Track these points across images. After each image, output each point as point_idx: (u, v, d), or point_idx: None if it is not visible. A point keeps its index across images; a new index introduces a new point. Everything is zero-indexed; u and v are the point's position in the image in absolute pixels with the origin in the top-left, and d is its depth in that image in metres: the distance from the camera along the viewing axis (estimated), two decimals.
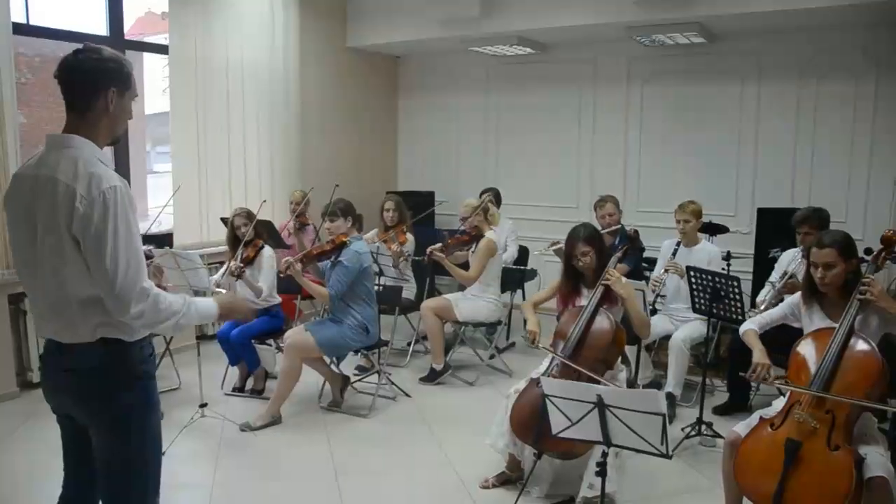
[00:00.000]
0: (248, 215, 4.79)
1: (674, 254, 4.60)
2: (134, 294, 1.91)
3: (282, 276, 4.46)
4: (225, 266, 4.85)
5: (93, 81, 1.99)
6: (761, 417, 2.83)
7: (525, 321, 3.75)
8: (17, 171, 2.09)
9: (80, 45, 2.05)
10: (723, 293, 3.95)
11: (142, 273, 1.95)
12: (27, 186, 2.00)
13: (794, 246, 4.44)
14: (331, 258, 4.45)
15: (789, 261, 4.44)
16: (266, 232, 5.03)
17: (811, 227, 4.22)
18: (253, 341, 4.77)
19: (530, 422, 3.23)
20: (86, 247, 1.91)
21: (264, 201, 5.17)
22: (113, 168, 2.04)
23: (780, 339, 3.59)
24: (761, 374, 2.97)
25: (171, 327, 2.04)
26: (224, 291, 4.47)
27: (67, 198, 1.90)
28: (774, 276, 4.52)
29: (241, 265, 4.60)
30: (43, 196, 1.95)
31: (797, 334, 3.06)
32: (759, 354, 3.04)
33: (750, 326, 3.24)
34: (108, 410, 2.05)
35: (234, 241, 4.76)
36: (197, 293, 5.78)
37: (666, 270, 4.50)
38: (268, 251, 4.82)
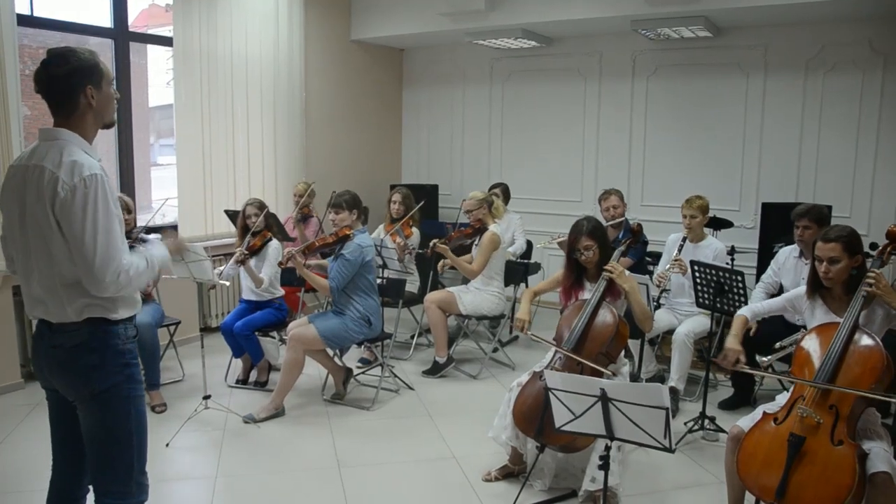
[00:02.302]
0: (260, 206, 4.84)
1: (679, 249, 4.58)
2: (108, 274, 2.04)
3: (282, 266, 4.47)
4: (232, 260, 4.86)
5: (69, 87, 2.10)
6: (765, 412, 2.82)
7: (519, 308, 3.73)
8: (12, 163, 2.21)
9: (77, 39, 2.09)
10: (726, 287, 3.94)
11: (118, 255, 2.06)
12: (19, 176, 2.12)
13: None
14: (333, 250, 4.45)
15: (786, 257, 4.42)
16: (274, 225, 5.05)
17: (810, 221, 4.20)
18: (256, 333, 4.78)
19: (533, 415, 3.24)
20: (67, 230, 2.04)
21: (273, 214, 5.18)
22: (99, 158, 2.14)
23: (783, 334, 3.60)
24: (730, 359, 2.99)
25: (141, 284, 2.21)
26: (228, 283, 4.48)
27: (51, 184, 2.03)
28: (769, 273, 4.51)
29: (246, 252, 4.62)
30: (31, 184, 2.08)
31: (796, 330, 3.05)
32: (731, 340, 3.06)
33: (742, 312, 3.24)
34: (91, 386, 2.15)
35: (245, 230, 4.80)
36: (202, 285, 5.81)
37: (670, 267, 4.49)
38: (274, 244, 4.85)
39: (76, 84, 2.10)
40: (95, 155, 2.14)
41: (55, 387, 2.25)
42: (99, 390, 2.15)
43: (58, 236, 2.05)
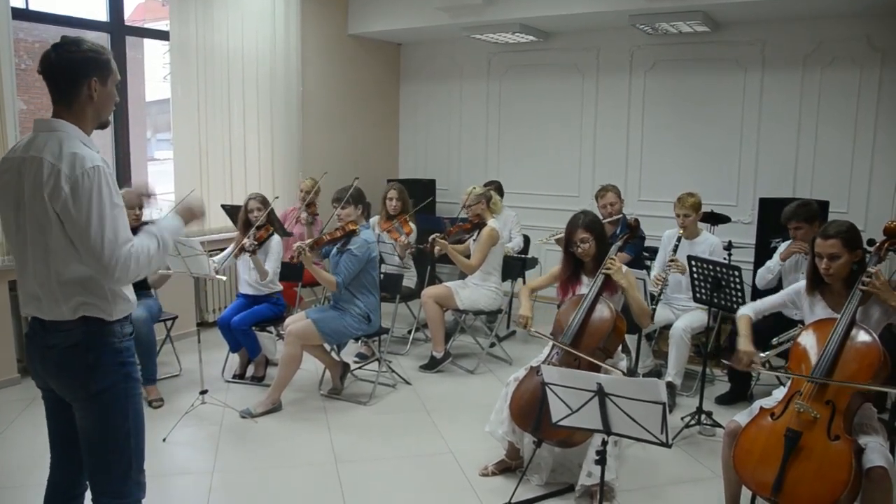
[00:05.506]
0: (263, 201, 4.84)
1: (675, 249, 4.55)
2: (119, 265, 2.01)
3: (293, 262, 4.46)
4: (229, 249, 4.86)
5: (74, 74, 2.06)
6: (761, 407, 2.83)
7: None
8: (6, 155, 2.14)
9: (73, 33, 2.08)
10: (723, 283, 3.94)
11: (126, 244, 2.03)
12: (14, 168, 2.07)
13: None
14: (339, 245, 4.44)
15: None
16: (274, 220, 5.04)
17: (799, 221, 4.21)
18: (254, 328, 4.78)
19: (530, 410, 3.24)
20: (71, 224, 1.99)
21: (276, 197, 5.14)
22: (97, 150, 2.11)
23: (780, 330, 3.60)
24: (745, 362, 2.98)
25: (157, 264, 2.16)
26: (224, 278, 4.48)
27: (52, 177, 1.97)
28: (772, 262, 4.51)
29: (256, 243, 4.62)
30: (29, 176, 2.02)
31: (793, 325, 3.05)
32: (743, 342, 3.05)
33: (745, 311, 3.23)
34: (88, 386, 2.12)
35: (246, 224, 4.79)
36: (198, 280, 5.79)
37: (668, 269, 4.48)
38: (276, 238, 4.86)
39: (84, 72, 2.06)
40: (94, 147, 2.08)
41: (51, 387, 2.20)
42: (96, 390, 2.11)
43: (57, 230, 2.00)
